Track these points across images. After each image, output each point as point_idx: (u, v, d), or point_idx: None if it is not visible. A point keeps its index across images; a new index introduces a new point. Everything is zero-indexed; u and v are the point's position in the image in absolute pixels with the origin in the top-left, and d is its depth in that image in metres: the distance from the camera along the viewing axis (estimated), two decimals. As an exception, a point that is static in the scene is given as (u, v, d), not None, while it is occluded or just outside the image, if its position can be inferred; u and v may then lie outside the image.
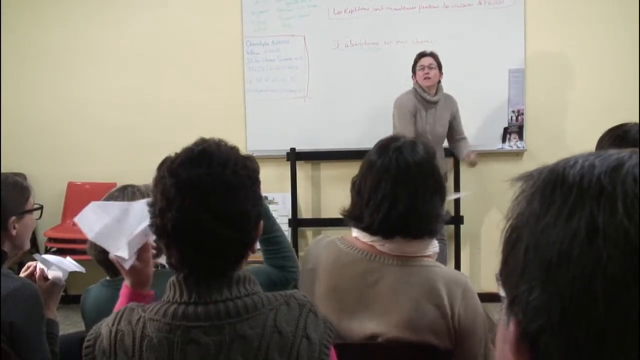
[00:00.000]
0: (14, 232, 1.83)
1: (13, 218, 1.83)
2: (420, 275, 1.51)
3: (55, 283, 1.94)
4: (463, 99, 4.38)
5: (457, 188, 4.39)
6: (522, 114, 4.45)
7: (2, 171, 3.51)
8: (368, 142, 4.12)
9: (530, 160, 4.43)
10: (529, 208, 0.49)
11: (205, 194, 1.13)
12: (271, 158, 4.54)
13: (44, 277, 1.94)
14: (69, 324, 3.86)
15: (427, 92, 3.90)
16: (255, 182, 1.21)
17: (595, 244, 0.44)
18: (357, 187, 1.60)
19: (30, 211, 1.91)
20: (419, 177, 1.52)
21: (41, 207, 1.98)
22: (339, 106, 4.52)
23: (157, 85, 4.68)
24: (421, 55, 3.97)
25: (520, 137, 4.46)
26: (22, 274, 1.93)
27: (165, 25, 4.66)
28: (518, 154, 4.50)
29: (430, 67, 3.89)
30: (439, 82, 3.96)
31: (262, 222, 1.24)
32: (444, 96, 4.00)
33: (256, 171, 1.23)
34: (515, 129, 4.46)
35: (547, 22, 4.40)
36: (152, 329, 1.14)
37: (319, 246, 1.67)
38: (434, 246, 1.60)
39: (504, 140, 4.47)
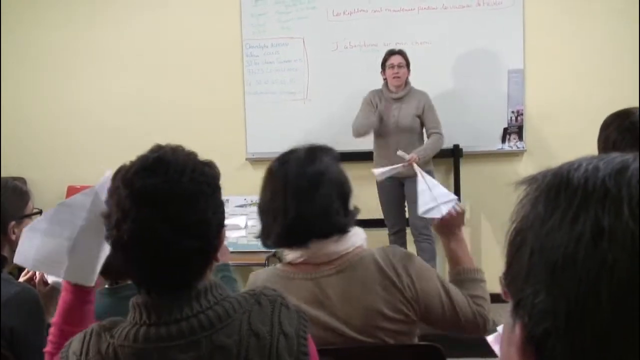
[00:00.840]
0: (13, 237, 1.82)
1: (12, 223, 1.82)
2: (361, 267, 1.55)
3: (55, 287, 1.93)
4: (463, 99, 4.38)
5: (457, 188, 4.38)
6: (522, 114, 4.45)
7: (2, 175, 3.50)
8: (368, 144, 4.15)
9: (529, 160, 4.43)
10: (533, 211, 0.49)
11: (162, 203, 1.08)
12: (271, 160, 4.52)
13: (44, 282, 1.93)
14: (69, 327, 3.84)
15: (391, 91, 4.07)
16: (216, 189, 1.17)
17: (600, 247, 0.44)
18: (260, 201, 1.62)
19: (30, 216, 1.90)
20: (310, 185, 1.54)
21: (40, 212, 1.97)
22: (338, 108, 4.51)
23: (157, 87, 4.68)
24: (390, 53, 4.08)
25: (520, 138, 4.46)
26: (22, 279, 1.92)
27: (165, 26, 4.66)
28: (518, 154, 4.49)
29: (399, 66, 4.03)
30: (407, 78, 4.09)
31: (224, 230, 1.20)
32: (413, 91, 4.09)
33: (216, 177, 1.18)
34: (514, 129, 4.46)
35: (546, 22, 4.40)
36: (124, 355, 1.09)
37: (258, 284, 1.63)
38: (359, 236, 1.61)
39: (503, 141, 4.47)
